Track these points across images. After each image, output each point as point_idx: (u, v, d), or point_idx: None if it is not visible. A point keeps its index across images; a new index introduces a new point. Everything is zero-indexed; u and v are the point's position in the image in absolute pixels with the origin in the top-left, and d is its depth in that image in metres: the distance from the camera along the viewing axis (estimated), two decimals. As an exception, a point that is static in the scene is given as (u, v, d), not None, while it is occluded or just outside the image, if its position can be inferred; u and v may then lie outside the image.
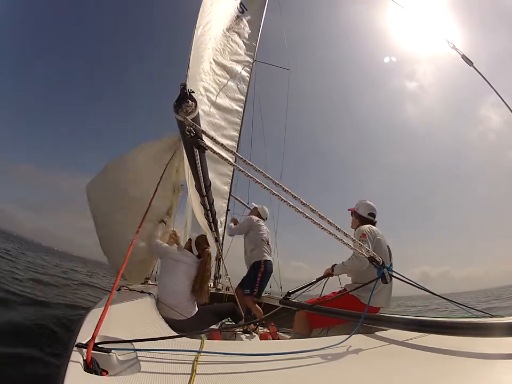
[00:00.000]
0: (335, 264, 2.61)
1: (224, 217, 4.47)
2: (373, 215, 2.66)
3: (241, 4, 3.95)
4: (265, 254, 3.95)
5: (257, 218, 4.18)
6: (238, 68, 3.75)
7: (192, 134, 1.31)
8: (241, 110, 4.01)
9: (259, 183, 1.22)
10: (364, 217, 2.65)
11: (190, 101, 1.29)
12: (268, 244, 4.05)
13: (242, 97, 4.03)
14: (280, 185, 1.18)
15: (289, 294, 3.35)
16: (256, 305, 3.75)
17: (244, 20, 3.96)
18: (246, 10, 4.05)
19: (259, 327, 3.34)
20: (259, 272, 3.83)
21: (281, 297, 3.48)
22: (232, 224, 4.50)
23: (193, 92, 1.33)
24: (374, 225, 2.62)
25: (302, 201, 1.18)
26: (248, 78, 4.19)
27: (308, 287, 3.00)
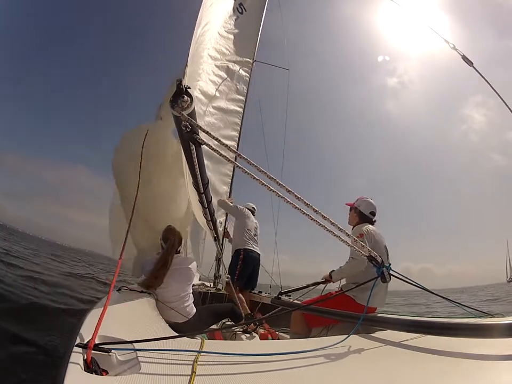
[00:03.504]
0: (333, 271, 2.58)
1: (224, 218, 4.47)
2: (374, 213, 2.65)
3: (240, 4, 3.97)
4: (247, 242, 3.87)
5: (245, 208, 4.13)
6: (237, 68, 3.76)
7: (188, 129, 1.32)
8: (241, 110, 4.02)
9: (255, 178, 1.22)
10: (364, 215, 2.62)
11: (185, 96, 1.31)
12: (253, 235, 3.99)
13: (242, 98, 4.04)
14: (275, 179, 1.18)
15: (281, 293, 3.33)
16: (239, 294, 3.44)
17: (243, 20, 3.97)
18: (246, 11, 4.07)
19: (259, 327, 3.31)
20: (239, 259, 3.78)
21: (273, 296, 3.48)
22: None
23: (189, 88, 1.35)
24: (373, 224, 2.61)
25: (296, 195, 1.18)
26: (247, 79, 4.20)
27: (301, 290, 2.99)
